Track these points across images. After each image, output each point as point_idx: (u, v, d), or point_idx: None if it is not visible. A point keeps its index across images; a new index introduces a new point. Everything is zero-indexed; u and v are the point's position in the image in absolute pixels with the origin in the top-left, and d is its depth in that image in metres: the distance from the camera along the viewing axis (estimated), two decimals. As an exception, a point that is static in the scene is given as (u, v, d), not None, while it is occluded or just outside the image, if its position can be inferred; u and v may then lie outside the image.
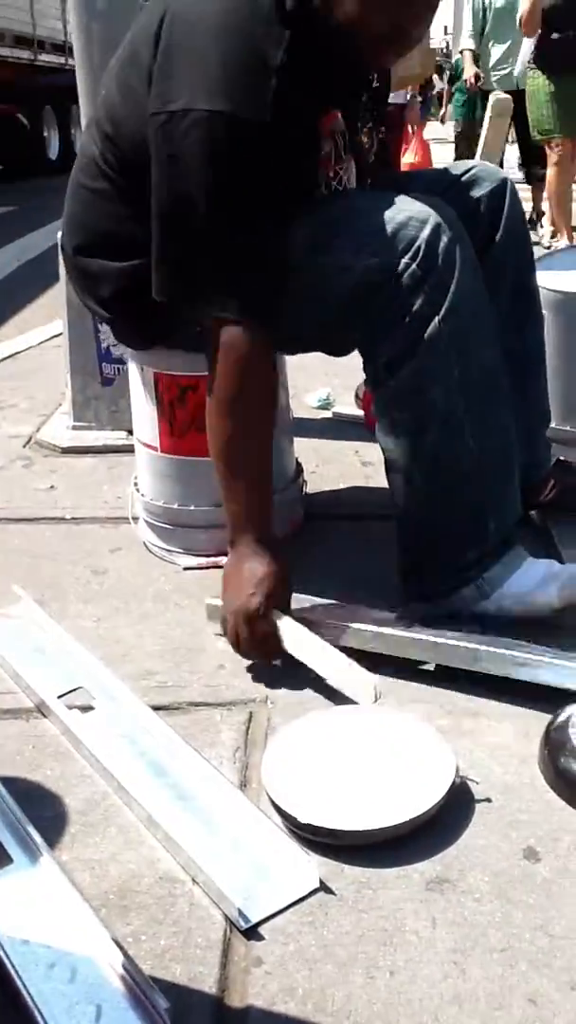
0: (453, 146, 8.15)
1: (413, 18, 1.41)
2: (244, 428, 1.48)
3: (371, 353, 1.53)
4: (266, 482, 1.52)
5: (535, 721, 1.33)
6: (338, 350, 1.70)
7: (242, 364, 1.43)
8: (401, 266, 1.40)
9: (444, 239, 1.40)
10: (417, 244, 1.40)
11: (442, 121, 21.48)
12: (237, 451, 1.49)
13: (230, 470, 1.49)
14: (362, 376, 1.58)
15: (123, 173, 1.53)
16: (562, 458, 1.88)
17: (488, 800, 1.18)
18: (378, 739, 1.26)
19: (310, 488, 2.06)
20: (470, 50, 6.81)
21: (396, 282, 1.41)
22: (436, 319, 1.41)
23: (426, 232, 1.40)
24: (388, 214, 1.44)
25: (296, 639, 1.42)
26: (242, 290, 1.41)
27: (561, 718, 1.28)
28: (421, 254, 1.40)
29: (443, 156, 8.87)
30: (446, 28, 25.88)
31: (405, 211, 1.43)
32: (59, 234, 1.74)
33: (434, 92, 15.46)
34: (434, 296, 1.41)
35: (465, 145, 7.52)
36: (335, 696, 1.37)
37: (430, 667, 1.44)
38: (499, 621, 1.50)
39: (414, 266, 1.40)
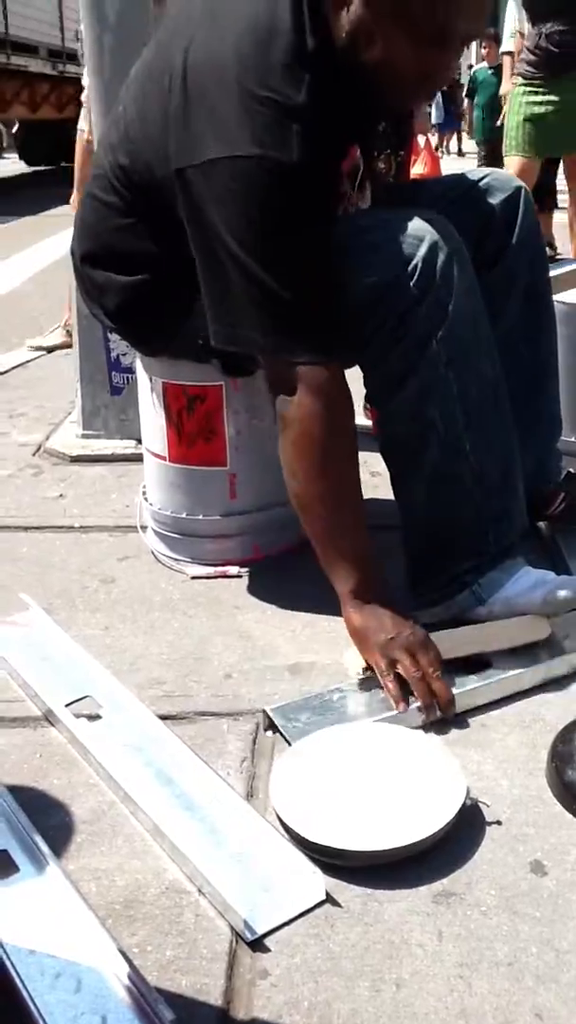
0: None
1: (445, 62, 1.39)
2: (344, 471, 1.46)
3: (370, 370, 1.53)
4: (365, 525, 1.49)
5: (543, 733, 1.32)
6: (343, 363, 1.71)
7: (329, 404, 1.42)
8: (399, 284, 1.40)
9: (441, 257, 1.40)
10: (414, 262, 1.39)
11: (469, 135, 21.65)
12: (345, 495, 1.46)
13: (339, 517, 1.46)
14: (370, 387, 1.59)
15: (133, 191, 1.53)
16: (572, 471, 1.87)
17: (498, 823, 1.17)
18: (387, 757, 1.25)
19: (318, 498, 2.06)
20: (509, 53, 6.02)
21: (394, 300, 1.41)
22: (434, 338, 1.41)
23: (423, 250, 1.39)
24: (387, 232, 1.43)
25: (449, 645, 1.43)
26: (304, 333, 1.40)
27: (568, 730, 1.28)
28: (418, 272, 1.39)
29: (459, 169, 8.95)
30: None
31: (403, 229, 1.42)
32: (70, 242, 1.75)
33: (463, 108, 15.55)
34: (432, 314, 1.41)
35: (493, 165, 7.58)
36: (342, 705, 1.37)
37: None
38: None
39: (411, 284, 1.39)
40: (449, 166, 7.26)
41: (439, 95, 15.44)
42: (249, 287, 1.37)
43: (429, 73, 1.39)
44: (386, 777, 1.21)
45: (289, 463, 1.47)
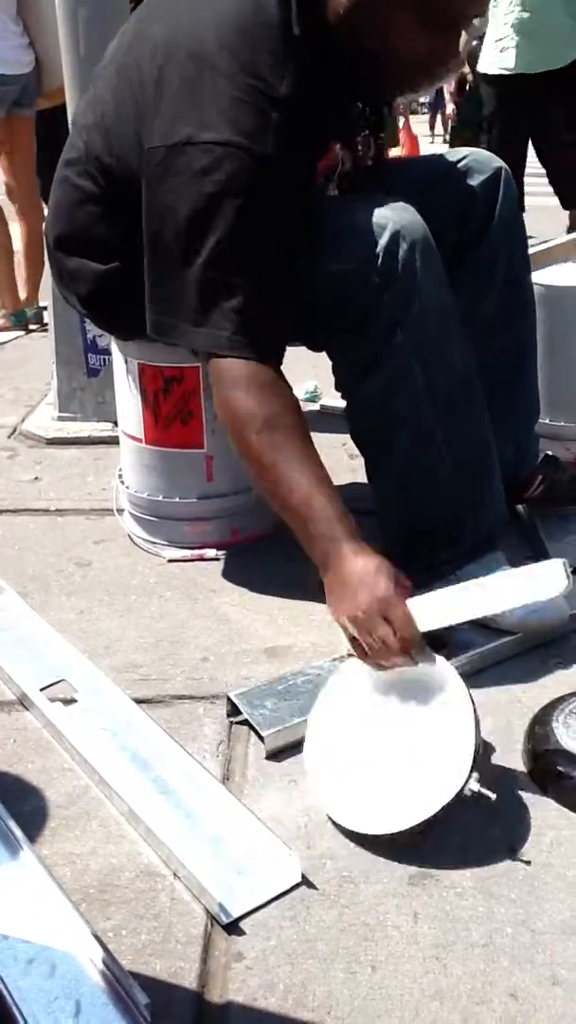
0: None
1: (455, 48, 1.32)
2: (287, 439, 1.34)
3: (336, 360, 1.51)
4: (329, 484, 1.35)
5: (519, 716, 1.32)
6: (317, 345, 1.70)
7: (263, 383, 1.36)
8: (360, 274, 1.37)
9: (404, 246, 1.36)
10: (376, 251, 1.36)
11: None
12: (292, 464, 1.33)
13: (290, 488, 1.32)
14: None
15: (106, 175, 1.50)
16: (549, 453, 1.87)
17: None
18: (408, 717, 1.23)
19: (296, 481, 2.05)
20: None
21: (356, 290, 1.38)
22: (399, 328, 1.39)
23: (384, 239, 1.36)
24: (350, 220, 1.40)
25: (439, 607, 1.28)
26: (236, 327, 1.34)
27: (545, 713, 1.28)
28: (380, 261, 1.36)
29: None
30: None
31: (366, 218, 1.38)
32: (45, 223, 1.72)
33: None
34: (395, 304, 1.38)
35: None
36: (307, 690, 1.36)
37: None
38: None
39: (373, 274, 1.37)
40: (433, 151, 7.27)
41: None
42: (190, 273, 1.34)
43: (438, 60, 1.34)
44: (399, 748, 1.20)
45: (234, 448, 1.42)
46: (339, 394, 2.57)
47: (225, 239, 1.31)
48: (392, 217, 1.38)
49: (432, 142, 14.57)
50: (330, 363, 1.56)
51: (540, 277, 2.02)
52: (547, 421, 2.06)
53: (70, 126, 2.35)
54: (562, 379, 2.05)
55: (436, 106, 15.15)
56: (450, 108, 8.11)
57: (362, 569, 1.26)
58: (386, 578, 1.25)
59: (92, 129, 1.51)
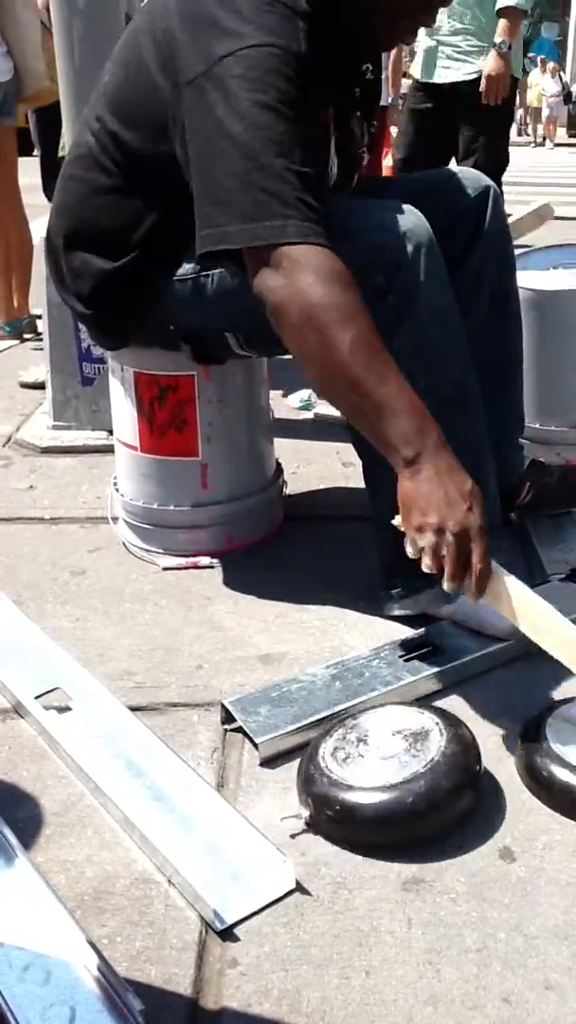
0: None
1: None
2: (371, 335, 1.27)
3: None
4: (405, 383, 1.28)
5: (511, 722, 1.33)
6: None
7: (340, 272, 1.28)
8: (365, 273, 1.37)
9: (410, 248, 1.39)
10: (383, 252, 1.38)
11: None
12: (379, 360, 1.26)
13: (383, 383, 1.25)
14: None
15: (124, 156, 1.50)
16: (535, 458, 1.88)
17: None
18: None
19: (291, 489, 2.06)
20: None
21: (361, 289, 1.38)
22: (401, 328, 1.40)
23: (392, 240, 1.39)
24: (357, 220, 1.42)
25: (514, 586, 1.25)
26: (301, 212, 1.29)
27: (538, 718, 1.29)
28: (385, 262, 1.38)
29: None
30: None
31: (372, 219, 1.41)
32: (45, 225, 1.72)
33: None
34: (399, 306, 1.40)
35: None
36: (301, 697, 1.37)
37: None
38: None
39: (378, 275, 1.38)
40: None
41: None
42: (248, 174, 1.30)
43: (421, 6, 1.43)
44: None
45: (298, 348, 1.31)
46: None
47: (277, 131, 1.30)
48: (399, 220, 1.40)
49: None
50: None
51: (528, 282, 2.03)
52: (536, 426, 2.07)
53: (63, 135, 2.38)
54: (550, 384, 2.07)
55: None
56: None
57: (462, 481, 1.24)
58: (480, 508, 1.24)
59: (103, 115, 1.52)
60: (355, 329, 1.26)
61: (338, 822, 1.14)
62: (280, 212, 1.28)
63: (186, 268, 1.54)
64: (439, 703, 1.38)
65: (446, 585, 1.23)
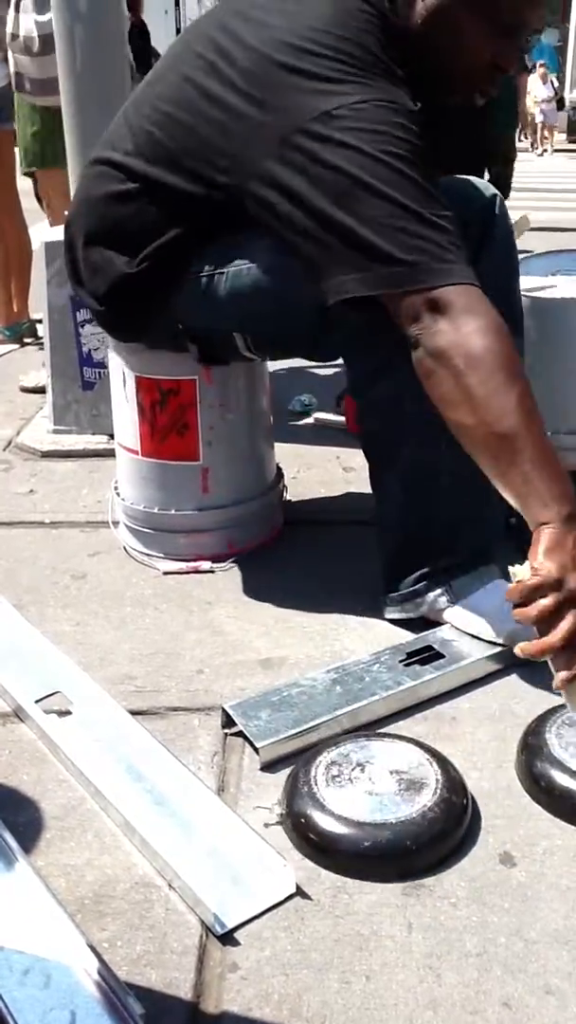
0: None
1: (514, 52, 1.44)
2: (530, 389, 1.27)
3: (352, 362, 1.53)
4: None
5: (513, 727, 1.33)
6: (319, 356, 1.71)
7: (501, 322, 1.29)
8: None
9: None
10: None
11: None
12: (539, 416, 1.26)
13: (542, 438, 1.25)
14: (343, 381, 1.59)
15: (169, 182, 1.48)
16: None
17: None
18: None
19: (291, 494, 2.06)
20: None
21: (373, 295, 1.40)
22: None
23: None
24: None
25: None
26: (447, 254, 1.29)
27: (538, 723, 1.29)
28: None
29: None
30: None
31: None
32: (44, 230, 1.72)
33: None
34: None
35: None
36: (301, 701, 1.37)
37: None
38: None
39: None
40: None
41: None
42: (396, 213, 1.29)
43: (499, 64, 1.43)
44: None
45: (461, 396, 1.27)
46: (335, 407, 2.57)
47: (411, 179, 1.30)
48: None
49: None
50: (327, 373, 1.57)
51: (527, 289, 2.04)
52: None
53: (66, 142, 2.38)
54: (547, 391, 2.06)
55: None
56: None
57: None
58: None
59: (158, 131, 1.49)
60: (520, 383, 1.26)
61: (296, 831, 1.14)
62: (439, 255, 1.28)
63: (201, 266, 1.53)
64: (439, 707, 1.39)
65: (550, 641, 1.15)
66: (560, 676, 1.16)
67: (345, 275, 1.32)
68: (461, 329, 1.26)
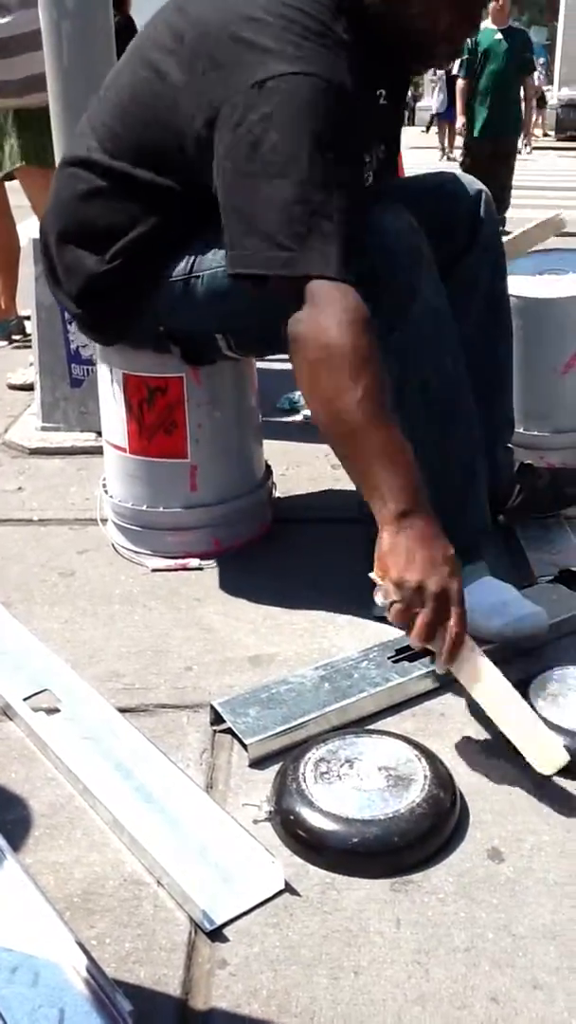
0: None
1: (474, 19, 1.47)
2: (381, 385, 1.29)
3: None
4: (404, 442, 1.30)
5: (500, 723, 1.34)
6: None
7: (362, 318, 1.30)
8: (361, 275, 1.38)
9: (403, 249, 1.41)
10: (376, 254, 1.39)
11: (426, 129, 21.46)
12: (384, 412, 1.28)
13: (384, 434, 1.27)
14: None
15: (119, 176, 1.50)
16: (525, 461, 1.89)
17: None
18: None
19: (280, 491, 2.06)
20: None
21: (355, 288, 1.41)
22: (394, 328, 1.41)
23: (386, 240, 1.40)
24: None
25: (485, 668, 1.25)
26: (331, 247, 1.30)
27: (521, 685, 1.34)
28: (380, 263, 1.39)
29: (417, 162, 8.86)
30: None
31: (368, 221, 1.40)
32: (41, 219, 1.72)
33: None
34: (393, 303, 1.41)
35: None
36: (290, 698, 1.37)
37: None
38: None
39: (371, 276, 1.37)
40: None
41: (443, 79, 13.42)
42: (283, 200, 1.31)
43: (459, 32, 1.45)
44: None
45: (309, 384, 1.33)
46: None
47: (319, 165, 1.31)
48: (393, 221, 1.42)
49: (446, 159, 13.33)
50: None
51: (514, 288, 2.04)
52: (521, 430, 2.08)
53: (54, 140, 2.37)
54: (535, 389, 2.08)
55: (447, 117, 13.84)
56: (460, 122, 6.73)
57: (446, 547, 1.26)
58: (459, 575, 1.25)
59: (116, 123, 1.52)
60: (367, 378, 1.27)
61: (285, 828, 1.14)
62: (319, 247, 1.30)
63: (177, 269, 1.55)
64: (428, 703, 1.39)
65: (413, 642, 1.25)
66: (437, 665, 1.26)
67: (233, 249, 1.36)
68: (320, 321, 1.29)
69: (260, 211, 1.33)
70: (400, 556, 1.24)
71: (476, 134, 6.54)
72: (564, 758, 1.19)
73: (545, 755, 1.20)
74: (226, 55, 1.36)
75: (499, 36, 6.36)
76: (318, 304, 1.30)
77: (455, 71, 7.29)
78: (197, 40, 1.40)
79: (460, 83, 6.70)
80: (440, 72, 13.23)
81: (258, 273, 1.35)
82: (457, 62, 6.26)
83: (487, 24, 6.39)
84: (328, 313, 1.29)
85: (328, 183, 1.31)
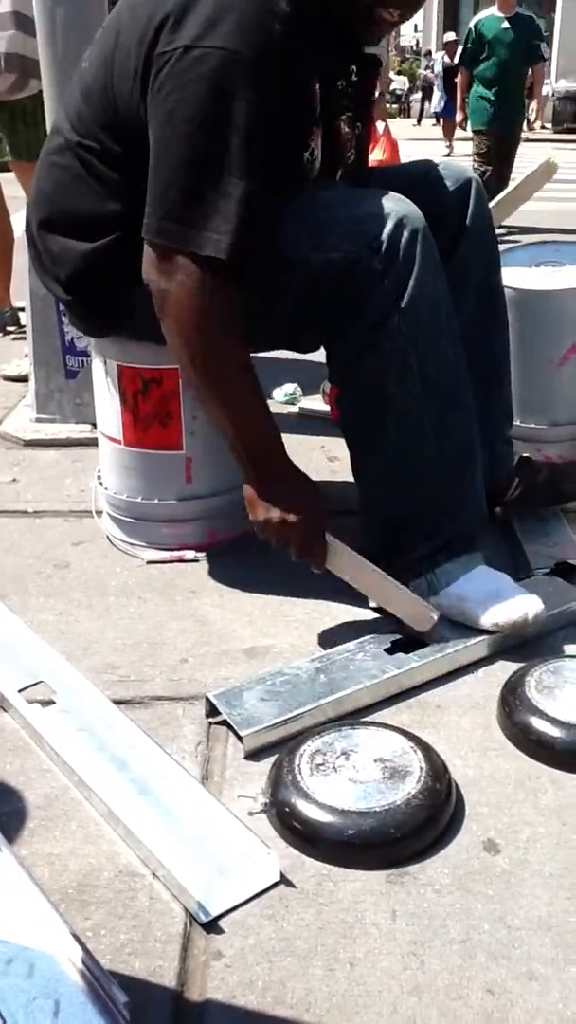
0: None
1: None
2: (241, 358, 1.43)
3: (332, 346, 1.54)
4: (265, 404, 1.48)
5: (495, 715, 1.33)
6: (304, 346, 1.70)
7: (210, 292, 1.36)
8: (362, 261, 1.41)
9: (406, 235, 1.41)
10: (379, 240, 1.40)
11: (418, 121, 21.42)
12: (244, 380, 1.43)
13: (243, 400, 1.44)
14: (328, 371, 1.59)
15: (110, 133, 1.50)
16: (524, 455, 1.89)
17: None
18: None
19: (275, 483, 2.05)
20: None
21: (356, 277, 1.42)
22: (395, 314, 1.42)
23: (388, 228, 1.41)
24: (351, 209, 1.44)
25: (350, 559, 1.48)
26: (236, 232, 1.34)
27: (515, 679, 1.36)
28: (383, 250, 1.40)
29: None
30: (416, 26, 25.97)
31: (369, 207, 1.43)
32: (25, 212, 1.71)
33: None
34: (393, 291, 1.42)
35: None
36: (286, 690, 1.37)
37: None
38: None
39: (375, 262, 1.41)
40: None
41: (442, 73, 12.66)
42: (188, 175, 1.35)
43: (376, 8, 1.44)
44: None
45: (174, 344, 1.44)
46: (319, 396, 2.57)
47: (219, 141, 1.33)
48: (394, 207, 1.43)
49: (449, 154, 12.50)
50: (312, 362, 1.57)
51: (511, 281, 2.03)
52: (518, 423, 2.08)
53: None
54: (532, 382, 2.07)
55: (447, 113, 13.23)
56: (459, 116, 6.53)
57: (300, 482, 1.48)
58: (319, 502, 1.47)
59: (81, 102, 1.53)
60: (240, 351, 1.43)
61: (281, 820, 1.14)
62: (207, 223, 1.34)
63: None
64: (424, 695, 1.39)
65: (293, 557, 1.49)
66: (314, 570, 1.50)
67: (148, 216, 1.39)
68: (183, 299, 1.38)
69: (170, 184, 1.36)
70: (260, 499, 1.46)
71: (482, 127, 6.26)
72: (435, 615, 1.46)
73: (418, 617, 1.46)
74: (167, 17, 1.36)
75: (505, 24, 6.09)
76: (193, 273, 1.36)
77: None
78: (151, 5, 1.39)
79: (460, 75, 6.48)
80: (439, 70, 12.90)
81: (148, 240, 1.40)
82: (458, 52, 6.14)
83: (492, 12, 6.20)
84: (192, 293, 1.37)
85: (221, 161, 1.33)
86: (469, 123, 6.45)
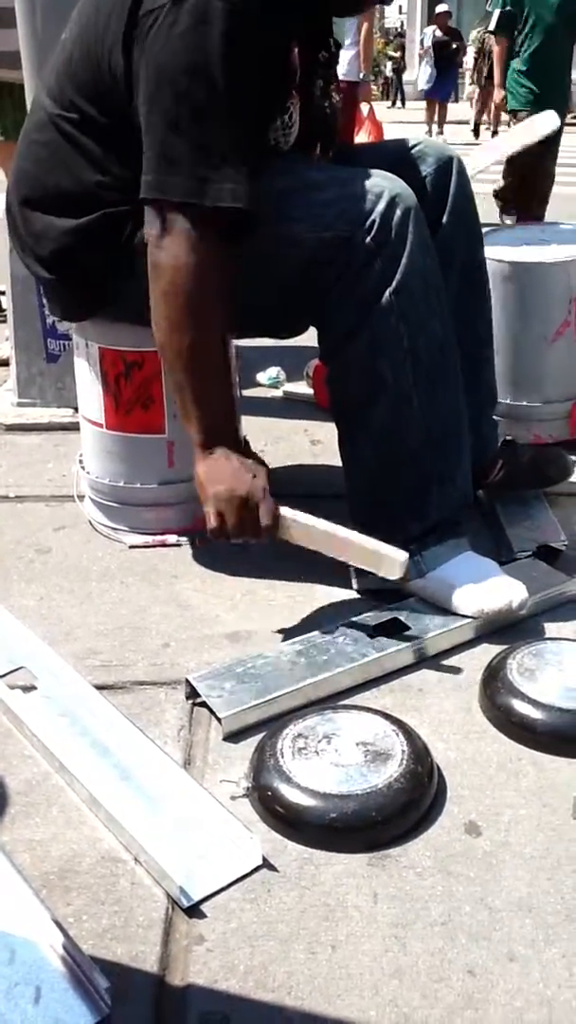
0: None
1: None
2: (212, 324, 1.42)
3: (323, 325, 1.54)
4: (232, 385, 1.49)
5: (478, 697, 1.34)
6: (289, 329, 1.69)
7: (212, 256, 1.37)
8: (355, 239, 1.41)
9: (398, 212, 1.42)
10: (372, 218, 1.41)
11: (402, 103, 21.26)
12: (210, 348, 1.43)
13: (201, 369, 1.43)
14: (312, 355, 1.58)
15: (93, 103, 1.48)
16: (508, 437, 1.89)
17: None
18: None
19: (258, 467, 2.05)
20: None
21: (349, 255, 1.42)
22: (387, 292, 1.43)
23: (381, 206, 1.41)
24: (343, 187, 1.44)
25: (304, 525, 1.45)
26: (248, 179, 1.35)
27: (496, 663, 1.36)
28: (375, 228, 1.41)
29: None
30: (401, 8, 25.81)
31: (360, 185, 1.43)
32: (5, 192, 1.69)
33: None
34: (386, 269, 1.42)
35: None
36: (266, 672, 1.36)
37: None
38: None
39: (367, 240, 1.41)
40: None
41: (432, 52, 11.75)
42: (177, 129, 1.35)
43: None
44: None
45: (156, 310, 1.43)
46: (303, 380, 2.55)
47: (219, 91, 1.33)
48: (386, 185, 1.43)
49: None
50: (296, 347, 1.56)
51: (502, 254, 2.02)
52: (509, 401, 2.07)
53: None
54: (524, 359, 2.06)
55: (437, 95, 12.32)
56: (499, 95, 4.99)
57: (239, 461, 1.44)
58: (263, 474, 1.44)
59: (62, 74, 1.52)
60: (213, 316, 1.40)
61: (263, 804, 1.14)
62: (215, 177, 1.34)
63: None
64: (406, 678, 1.39)
65: (249, 537, 1.45)
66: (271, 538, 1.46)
67: (144, 174, 1.39)
68: (180, 258, 1.37)
69: (161, 140, 1.37)
70: (208, 477, 1.43)
71: (522, 107, 4.73)
72: (403, 557, 1.40)
73: (387, 564, 1.41)
74: None
75: None
76: (186, 239, 1.37)
77: (475, 35, 5.69)
78: None
79: (496, 46, 5.03)
80: (428, 44, 12.38)
81: (147, 198, 1.39)
82: (495, 17, 4.83)
83: None
84: (190, 253, 1.37)
85: (235, 112, 1.35)
86: (507, 104, 4.95)
